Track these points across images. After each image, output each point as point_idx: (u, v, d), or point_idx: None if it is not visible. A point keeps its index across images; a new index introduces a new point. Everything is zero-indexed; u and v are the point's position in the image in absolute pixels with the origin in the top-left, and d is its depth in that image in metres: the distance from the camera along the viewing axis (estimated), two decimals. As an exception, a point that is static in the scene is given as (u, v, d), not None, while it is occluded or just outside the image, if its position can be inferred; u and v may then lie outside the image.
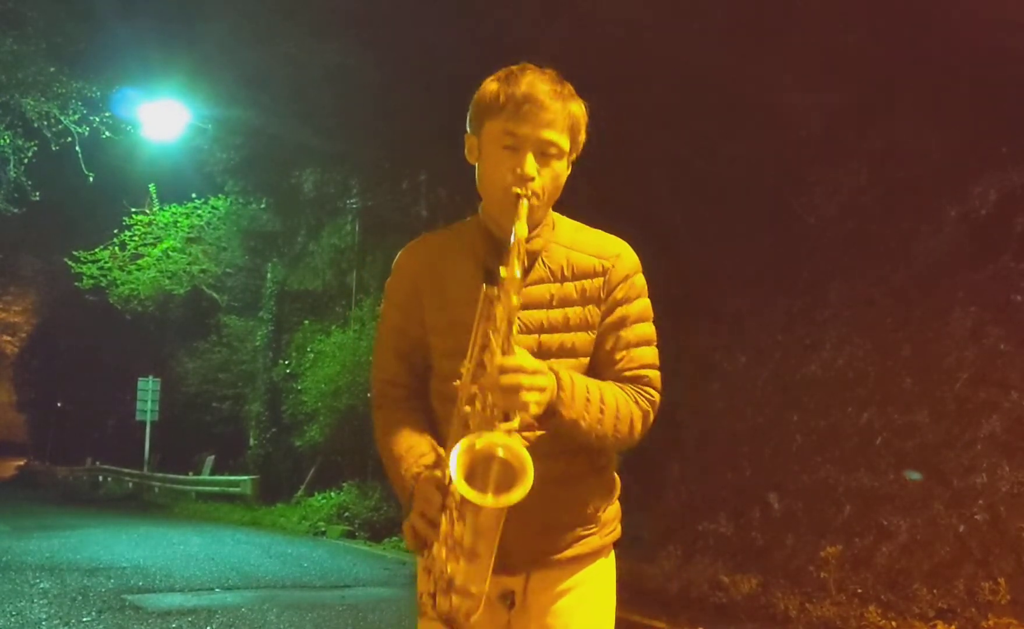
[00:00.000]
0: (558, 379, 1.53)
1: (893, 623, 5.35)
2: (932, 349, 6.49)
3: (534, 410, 1.47)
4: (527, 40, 8.56)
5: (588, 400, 1.57)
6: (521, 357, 1.48)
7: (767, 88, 7.77)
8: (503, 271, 1.49)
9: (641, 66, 8.25)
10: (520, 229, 1.53)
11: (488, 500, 1.41)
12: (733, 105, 8.14)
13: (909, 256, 7.06)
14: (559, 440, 1.60)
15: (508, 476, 1.43)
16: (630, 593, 6.74)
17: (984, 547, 5.39)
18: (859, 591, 5.67)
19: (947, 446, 5.97)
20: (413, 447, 1.65)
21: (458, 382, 1.54)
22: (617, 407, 1.61)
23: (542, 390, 1.48)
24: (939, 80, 7.05)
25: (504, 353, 1.46)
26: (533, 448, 1.49)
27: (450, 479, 1.44)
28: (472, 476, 1.42)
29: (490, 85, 1.63)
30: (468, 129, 1.68)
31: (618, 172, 8.83)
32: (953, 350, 6.35)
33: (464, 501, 1.41)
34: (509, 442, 1.45)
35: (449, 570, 1.46)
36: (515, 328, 1.50)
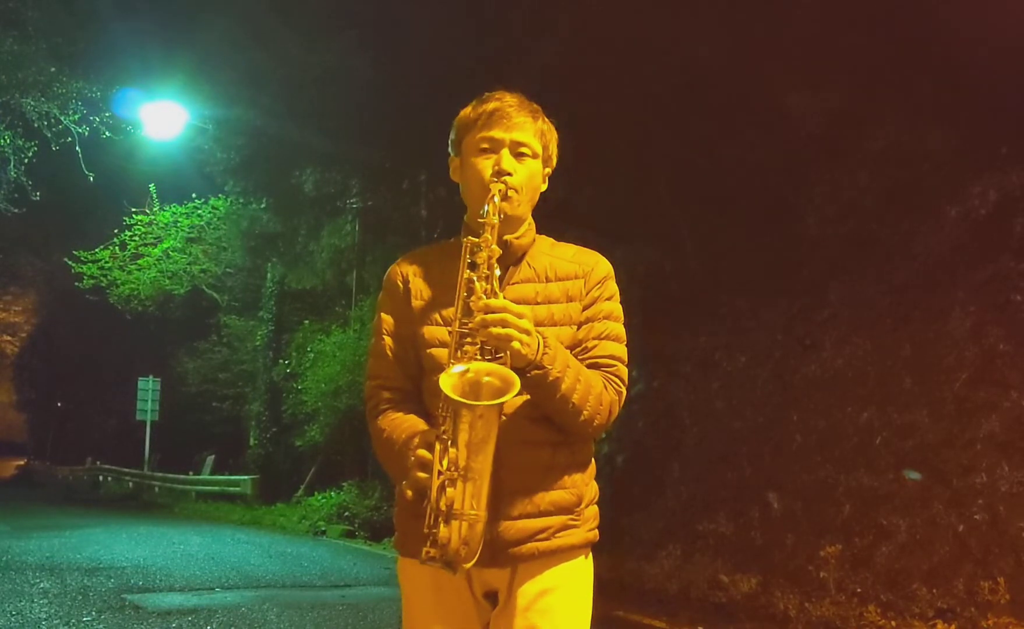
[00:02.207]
0: (542, 336, 1.63)
1: (893, 623, 5.35)
2: (932, 349, 6.50)
3: (519, 347, 1.56)
4: (527, 40, 8.57)
5: (568, 365, 1.66)
6: (506, 301, 1.60)
7: (768, 89, 7.77)
8: (480, 214, 1.64)
9: (642, 67, 8.25)
10: (493, 207, 1.66)
11: (480, 403, 1.51)
12: (734, 106, 8.15)
13: (909, 256, 7.07)
14: (543, 428, 1.68)
15: (496, 394, 1.53)
16: (630, 593, 6.77)
17: (983, 547, 5.39)
18: (859, 591, 5.67)
19: (947, 446, 5.98)
20: (413, 429, 1.69)
21: (448, 330, 1.65)
22: (591, 384, 1.70)
23: (527, 332, 1.58)
24: (939, 80, 7.05)
25: (489, 297, 1.59)
26: (518, 435, 1.60)
27: (442, 397, 1.53)
28: (463, 396, 1.51)
29: (464, 110, 1.80)
30: (451, 152, 1.84)
31: (619, 173, 8.84)
32: (953, 350, 6.35)
33: (457, 410, 1.50)
34: (494, 367, 1.55)
35: (444, 501, 1.51)
36: (496, 273, 1.63)
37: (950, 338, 6.41)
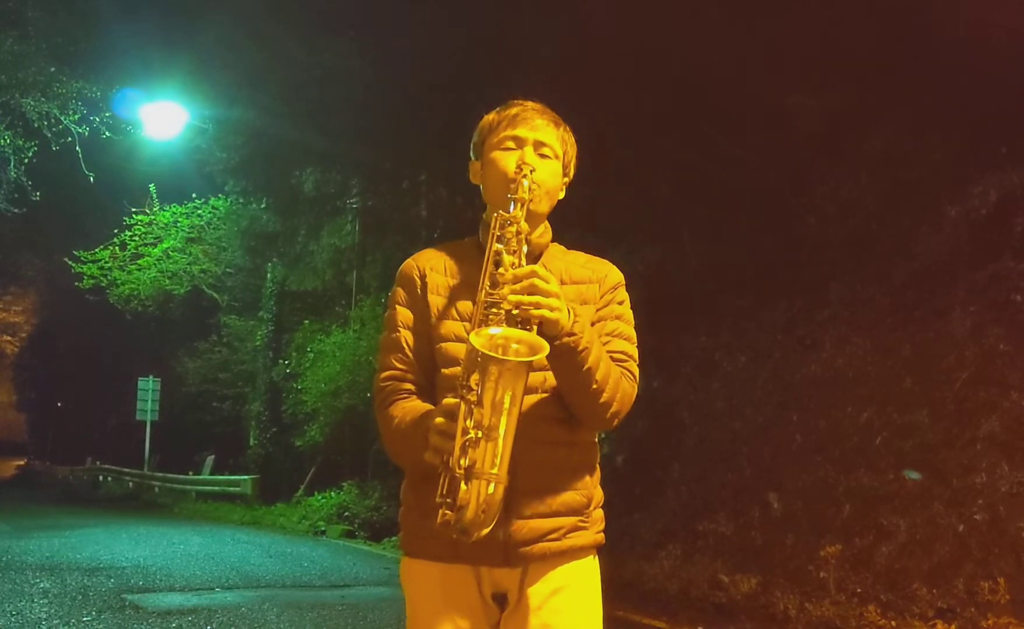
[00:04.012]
0: (572, 310, 1.61)
1: (893, 623, 5.35)
2: (932, 349, 6.50)
3: (547, 314, 1.54)
4: (528, 41, 8.57)
5: (594, 341, 1.66)
6: (534, 266, 1.58)
7: (768, 88, 7.77)
8: (510, 191, 1.65)
9: (642, 67, 8.25)
10: (525, 184, 1.67)
11: (509, 358, 1.49)
12: (734, 105, 8.15)
13: (909, 256, 7.07)
14: (557, 427, 1.69)
15: (524, 355, 1.52)
16: (630, 593, 6.77)
17: (984, 547, 5.39)
18: (859, 591, 5.67)
19: (947, 446, 5.98)
20: (426, 408, 1.69)
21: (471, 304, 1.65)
22: (611, 367, 1.70)
23: (556, 296, 1.56)
24: (939, 80, 7.05)
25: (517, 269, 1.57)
26: (532, 434, 1.58)
27: (470, 354, 1.51)
28: (491, 352, 1.49)
29: (488, 115, 1.83)
30: (472, 156, 1.86)
31: (620, 173, 8.84)
32: (953, 350, 6.35)
33: (486, 366, 1.47)
34: (523, 335, 1.53)
35: (466, 461, 1.48)
36: (524, 249, 1.63)
37: (950, 338, 6.41)
